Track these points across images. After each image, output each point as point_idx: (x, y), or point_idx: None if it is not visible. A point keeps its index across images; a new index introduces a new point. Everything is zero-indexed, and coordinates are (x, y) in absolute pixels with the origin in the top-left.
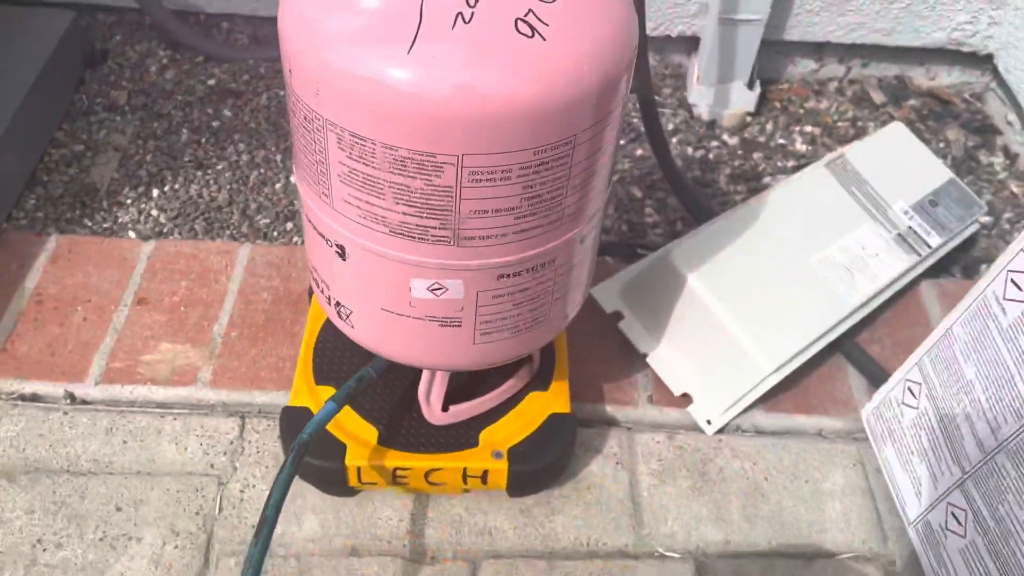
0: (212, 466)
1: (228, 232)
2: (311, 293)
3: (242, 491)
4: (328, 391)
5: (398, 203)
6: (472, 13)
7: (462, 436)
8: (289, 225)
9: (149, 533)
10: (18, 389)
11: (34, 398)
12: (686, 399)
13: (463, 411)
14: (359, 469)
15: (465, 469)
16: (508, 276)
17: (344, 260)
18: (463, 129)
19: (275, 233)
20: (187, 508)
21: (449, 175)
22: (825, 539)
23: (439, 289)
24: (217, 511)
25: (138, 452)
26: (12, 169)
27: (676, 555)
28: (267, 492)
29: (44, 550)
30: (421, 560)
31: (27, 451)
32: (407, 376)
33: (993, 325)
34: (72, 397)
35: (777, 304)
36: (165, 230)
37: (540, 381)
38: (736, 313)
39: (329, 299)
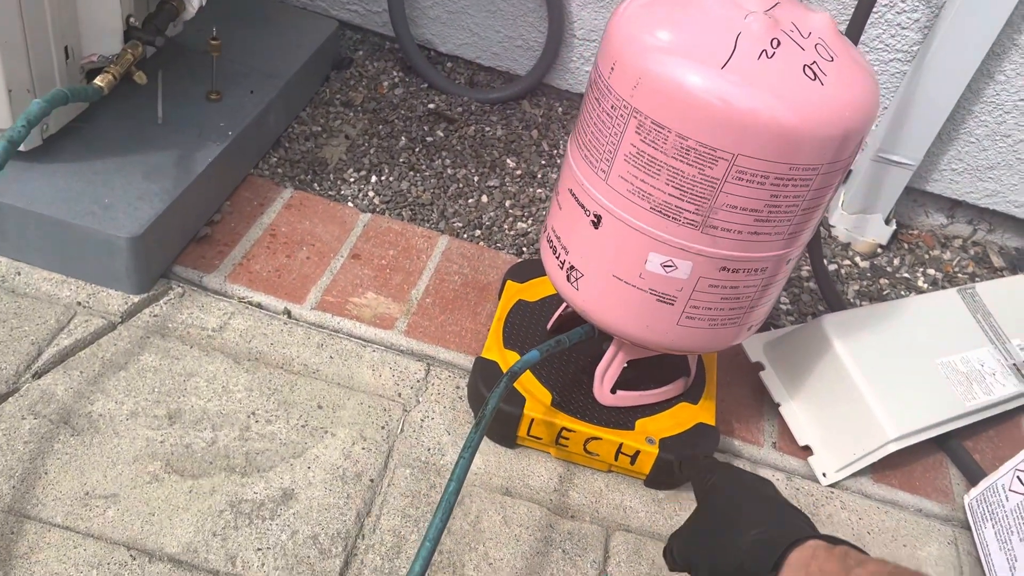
0: (399, 395)
1: (428, 224)
2: (504, 281)
3: (422, 420)
4: (513, 355)
5: (669, 184)
6: (774, 53)
7: (621, 419)
8: (477, 232)
9: (342, 432)
10: (249, 296)
11: (260, 306)
12: (806, 451)
13: (627, 398)
14: (532, 420)
15: (621, 445)
16: (728, 270)
17: (597, 228)
18: (746, 133)
19: (465, 235)
20: (375, 421)
21: (720, 168)
22: None
23: (670, 267)
24: (399, 430)
25: (341, 367)
26: (269, 129)
27: None
28: (442, 425)
29: (256, 421)
30: (563, 515)
31: (252, 343)
32: (582, 357)
33: None
34: (289, 313)
35: (906, 386)
36: (378, 209)
37: (691, 395)
38: (871, 382)
39: (563, 263)
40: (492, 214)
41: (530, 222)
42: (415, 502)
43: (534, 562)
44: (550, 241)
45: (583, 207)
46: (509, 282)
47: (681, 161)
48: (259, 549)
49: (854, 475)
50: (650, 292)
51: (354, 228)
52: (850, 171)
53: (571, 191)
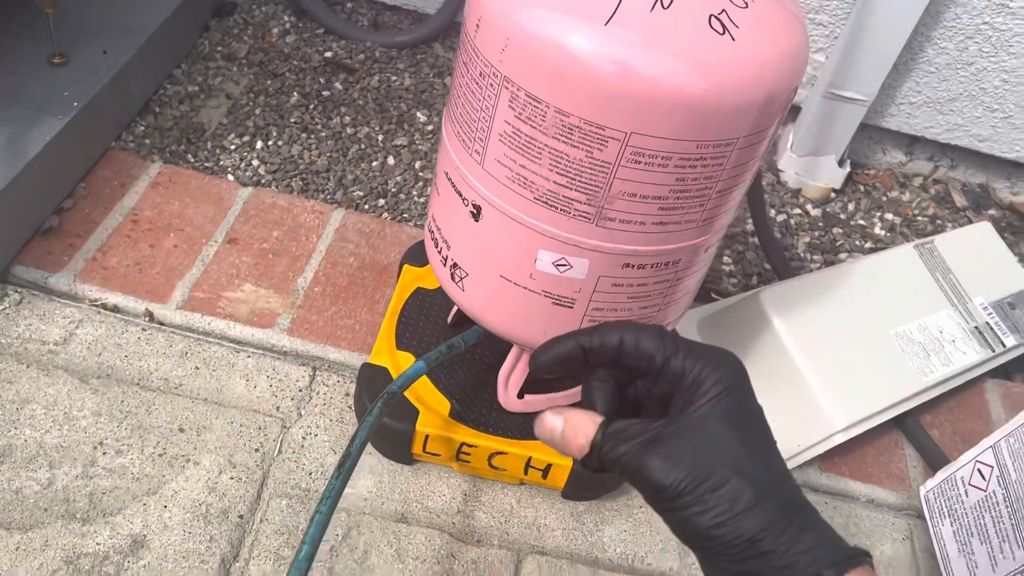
0: (278, 408)
1: (322, 196)
2: (402, 265)
3: (304, 438)
4: (407, 357)
5: (552, 170)
6: (671, 2)
7: (531, 427)
8: (381, 202)
9: (207, 459)
10: (102, 298)
11: (116, 309)
12: None
13: (537, 402)
14: (428, 436)
15: (530, 459)
16: (633, 267)
17: (477, 221)
18: (638, 107)
19: (367, 206)
20: (248, 443)
21: (612, 150)
22: None
23: (564, 266)
24: (276, 452)
25: (208, 380)
26: (131, 94)
27: None
28: (327, 443)
29: (104, 453)
30: (467, 540)
31: (103, 357)
32: (487, 358)
33: None
34: (151, 316)
35: (855, 365)
36: (263, 181)
37: None
38: (815, 365)
39: (446, 259)
40: (399, 179)
41: None
42: (292, 540)
43: None
44: (431, 232)
45: (460, 195)
46: (407, 267)
47: (564, 142)
48: None
49: (801, 466)
50: (544, 295)
51: (232, 207)
52: (799, 109)
53: (447, 175)
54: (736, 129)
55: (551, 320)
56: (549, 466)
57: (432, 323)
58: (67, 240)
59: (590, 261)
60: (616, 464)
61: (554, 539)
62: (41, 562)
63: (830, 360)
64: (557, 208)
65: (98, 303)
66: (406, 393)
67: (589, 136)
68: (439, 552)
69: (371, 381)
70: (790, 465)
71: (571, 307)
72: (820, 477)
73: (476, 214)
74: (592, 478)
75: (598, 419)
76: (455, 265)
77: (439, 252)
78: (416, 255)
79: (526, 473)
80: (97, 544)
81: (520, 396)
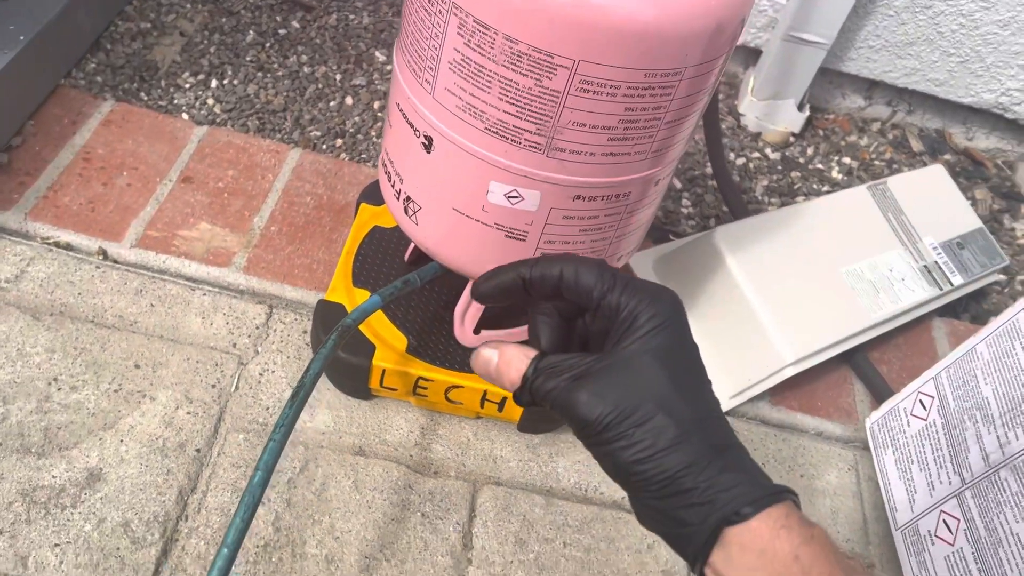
0: (234, 345)
1: (279, 135)
2: (359, 204)
3: (261, 374)
4: (364, 294)
5: (502, 99)
6: None
7: None
8: (339, 142)
9: (164, 395)
10: (54, 236)
11: (68, 247)
12: None
13: (493, 337)
14: (384, 371)
15: (485, 392)
16: (583, 199)
17: (428, 153)
18: (587, 35)
19: (324, 147)
20: (204, 379)
21: (561, 79)
22: None
23: (515, 198)
24: (233, 388)
25: (164, 317)
26: (80, 29)
27: None
28: (284, 379)
29: (59, 389)
30: (424, 472)
31: (55, 294)
32: (444, 295)
33: (1019, 346)
34: (105, 254)
35: (805, 302)
36: (218, 120)
37: None
38: (766, 301)
39: (399, 193)
40: (357, 119)
41: None
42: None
43: (388, 531)
44: (384, 165)
45: (412, 126)
46: (364, 205)
47: (513, 70)
48: (56, 545)
49: (752, 400)
50: (496, 227)
51: (187, 145)
52: (760, 53)
53: (399, 106)
54: (684, 58)
55: (504, 253)
56: (504, 399)
57: (389, 261)
58: (16, 178)
59: (541, 193)
60: (546, 398)
61: (509, 470)
62: None
63: (781, 297)
64: (508, 138)
65: (50, 241)
66: (363, 329)
67: (538, 64)
68: (396, 483)
69: (327, 317)
70: (741, 399)
71: (523, 240)
72: (771, 411)
73: (428, 145)
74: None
75: (531, 353)
76: (408, 199)
77: (392, 186)
78: (373, 194)
79: (482, 406)
80: (53, 477)
81: (476, 332)
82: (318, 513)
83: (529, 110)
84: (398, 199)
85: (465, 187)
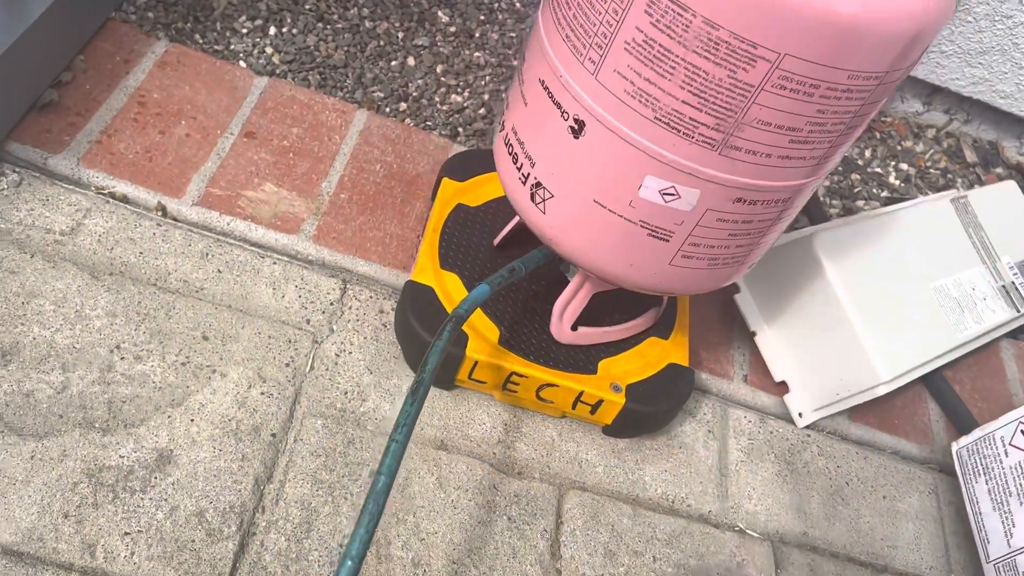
0: (308, 321)
1: (342, 94)
2: (440, 179)
3: (337, 355)
4: (452, 277)
5: (684, 88)
6: None
7: (581, 360)
8: (402, 106)
9: (235, 372)
10: (110, 186)
11: (125, 200)
12: (782, 387)
13: (590, 335)
14: (476, 363)
15: (581, 393)
16: (744, 202)
17: (576, 138)
18: (802, 26)
19: (387, 109)
20: (277, 357)
21: (758, 72)
22: (895, 556)
23: (671, 195)
24: (308, 368)
25: (232, 285)
26: None
27: (755, 534)
28: (362, 362)
29: (122, 358)
30: (508, 471)
31: (115, 251)
32: (532, 286)
33: None
34: (164, 210)
35: (900, 318)
36: (278, 71)
37: (661, 328)
38: (865, 314)
39: (526, 178)
40: (420, 82)
41: (466, 95)
42: (329, 463)
43: (475, 534)
44: (509, 145)
45: (559, 107)
46: (446, 180)
47: (706, 58)
48: (127, 533)
49: (832, 415)
50: (641, 225)
51: (247, 97)
52: None
53: (543, 83)
54: (883, 61)
55: (640, 252)
56: (600, 402)
57: (475, 242)
58: (67, 118)
59: (701, 192)
60: None
61: (595, 475)
62: (60, 473)
63: (878, 310)
64: (679, 131)
65: (106, 191)
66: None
67: (736, 54)
68: (481, 482)
69: (416, 299)
70: (824, 413)
71: (667, 240)
72: (851, 427)
73: (577, 130)
74: (640, 414)
75: None
76: (538, 185)
77: (519, 169)
78: (456, 168)
79: (573, 407)
80: (121, 457)
81: (574, 328)
82: (402, 511)
83: (713, 103)
84: (524, 183)
85: (615, 179)
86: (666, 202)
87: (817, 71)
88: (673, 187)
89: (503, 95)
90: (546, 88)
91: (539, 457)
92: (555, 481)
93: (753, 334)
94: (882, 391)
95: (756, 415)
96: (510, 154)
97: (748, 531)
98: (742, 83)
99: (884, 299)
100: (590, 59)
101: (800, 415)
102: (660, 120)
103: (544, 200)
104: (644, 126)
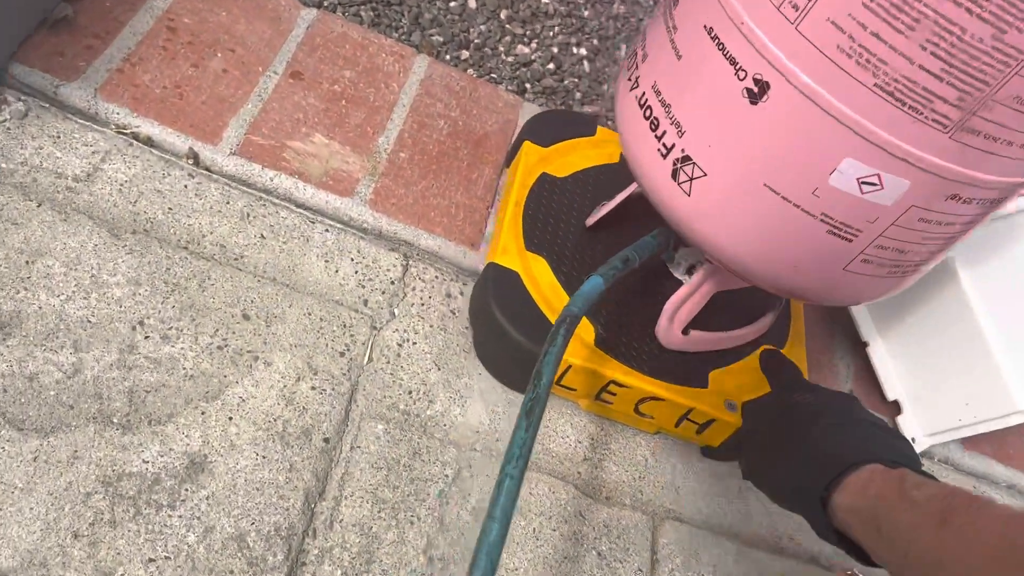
0: (365, 303)
1: (397, 35)
2: (521, 141)
3: (400, 344)
4: (538, 260)
5: (925, 48)
6: None
7: (691, 370)
8: (464, 54)
9: (281, 360)
10: (132, 125)
11: (150, 142)
12: (893, 407)
13: (703, 341)
14: (570, 367)
15: (690, 410)
16: (959, 200)
17: (755, 104)
18: None
19: (447, 56)
20: (331, 344)
21: None
22: None
23: (872, 185)
24: (367, 359)
25: (278, 255)
26: None
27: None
28: (429, 355)
29: (146, 337)
30: (595, 496)
31: (139, 205)
32: (631, 278)
33: None
34: (196, 159)
35: None
36: (326, 3)
37: (775, 335)
38: (1000, 330)
39: (668, 148)
40: (483, 28)
41: (534, 45)
42: (392, 478)
43: (560, 572)
44: (646, 107)
45: (734, 63)
46: (528, 144)
47: (969, 9)
48: (151, 560)
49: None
50: (822, 219)
51: (293, 30)
52: None
53: (710, 31)
54: None
55: (812, 252)
56: (711, 421)
57: (564, 220)
58: (83, 40)
59: (911, 184)
60: None
61: (694, 505)
62: (69, 480)
63: (1016, 326)
64: (905, 104)
65: (128, 131)
66: (545, 310)
67: (1015, 8)
68: (565, 508)
69: (500, 286)
70: (940, 439)
71: (850, 240)
72: (963, 456)
73: (757, 94)
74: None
75: None
76: (686, 159)
77: (660, 138)
78: (539, 131)
79: (677, 425)
80: (144, 462)
81: (685, 332)
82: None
83: (961, 70)
84: (664, 157)
85: (801, 160)
86: (863, 193)
87: None
88: (877, 175)
89: (573, 49)
90: (715, 38)
91: (630, 480)
92: (648, 510)
93: (865, 345)
94: (1017, 420)
95: None
96: (647, 119)
97: (861, 575)
98: (1009, 47)
99: (1020, 313)
100: (792, 4)
101: (913, 440)
102: (882, 88)
103: (692, 179)
104: (857, 94)
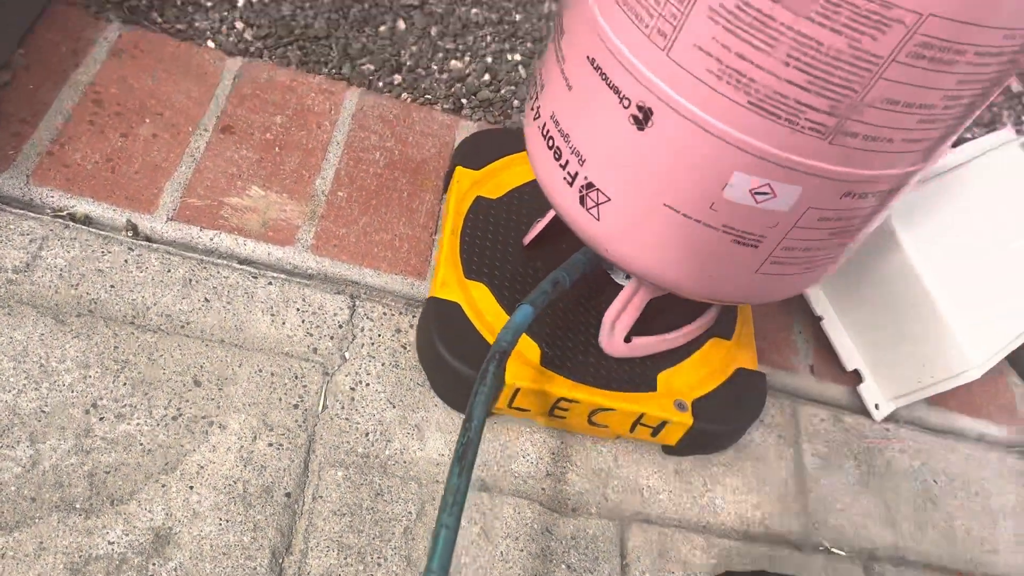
0: (315, 350)
1: (327, 70)
2: (453, 166)
3: (353, 388)
4: (479, 288)
5: (789, 64)
6: None
7: (638, 375)
8: (397, 78)
9: (235, 421)
10: (68, 206)
11: (87, 221)
12: (854, 377)
13: (645, 346)
14: (518, 391)
15: (641, 416)
16: (853, 196)
17: (641, 129)
18: None
19: (380, 84)
20: (284, 398)
21: (890, 40)
22: (997, 561)
23: (765, 195)
24: (321, 407)
25: (223, 315)
26: None
27: (842, 553)
28: (383, 394)
29: (101, 419)
30: (561, 510)
31: (81, 287)
32: (579, 290)
33: None
34: (135, 230)
35: (985, 289)
36: (252, 50)
37: (723, 326)
38: (945, 288)
39: (574, 177)
40: (415, 48)
41: (467, 59)
42: (356, 523)
43: None
44: (548, 136)
45: (618, 93)
46: (460, 169)
47: (822, 23)
48: None
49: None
50: (724, 230)
51: (219, 83)
52: None
53: (592, 61)
54: None
55: (722, 261)
56: (663, 423)
57: (501, 242)
58: (9, 127)
59: (803, 189)
60: None
61: (659, 503)
62: (38, 572)
63: (960, 283)
64: (781, 117)
65: (64, 213)
66: (488, 337)
67: (863, 17)
68: (532, 527)
69: (443, 320)
70: (904, 402)
71: (755, 246)
72: (928, 412)
73: (642, 120)
74: (709, 434)
75: None
76: (589, 186)
77: (564, 167)
78: (469, 154)
79: (631, 431)
80: (109, 544)
81: (627, 340)
82: None
83: (827, 80)
84: (571, 184)
85: (692, 179)
86: (758, 203)
87: (966, 33)
88: (768, 185)
89: (507, 56)
90: (597, 68)
91: (594, 488)
92: (615, 515)
93: (819, 319)
94: (974, 376)
95: (828, 412)
96: (550, 148)
97: (834, 550)
98: (867, 54)
99: (965, 269)
100: (659, 31)
101: (877, 407)
102: (756, 105)
103: (598, 204)
104: (734, 113)
